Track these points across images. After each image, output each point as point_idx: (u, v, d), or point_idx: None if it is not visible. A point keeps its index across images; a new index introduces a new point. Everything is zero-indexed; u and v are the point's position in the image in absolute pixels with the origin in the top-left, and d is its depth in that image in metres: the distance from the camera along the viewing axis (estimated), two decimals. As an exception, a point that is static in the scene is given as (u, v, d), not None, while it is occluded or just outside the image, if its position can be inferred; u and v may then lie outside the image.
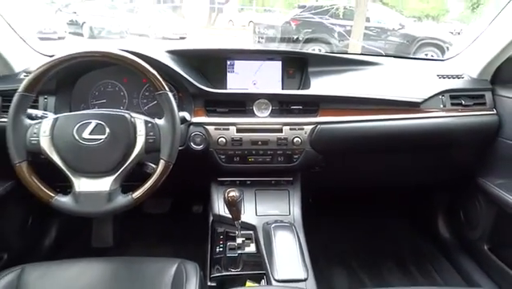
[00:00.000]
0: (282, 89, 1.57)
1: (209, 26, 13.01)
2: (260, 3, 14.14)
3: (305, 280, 1.12)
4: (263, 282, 1.16)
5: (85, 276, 1.11)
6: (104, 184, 1.10)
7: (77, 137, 1.09)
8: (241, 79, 1.58)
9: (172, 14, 11.78)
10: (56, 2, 11.25)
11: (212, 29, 12.77)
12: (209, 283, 1.11)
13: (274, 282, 1.12)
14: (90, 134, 1.10)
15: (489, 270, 1.66)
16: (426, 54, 7.11)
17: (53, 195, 1.11)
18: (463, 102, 1.54)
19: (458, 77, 1.62)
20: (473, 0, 8.62)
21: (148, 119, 1.14)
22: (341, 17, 7.88)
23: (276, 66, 1.59)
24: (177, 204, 2.16)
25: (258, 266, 1.19)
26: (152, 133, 1.13)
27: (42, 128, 1.10)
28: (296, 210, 1.45)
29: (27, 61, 1.53)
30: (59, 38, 7.66)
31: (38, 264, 1.17)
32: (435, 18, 13.15)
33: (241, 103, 1.45)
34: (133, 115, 1.14)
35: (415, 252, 2.00)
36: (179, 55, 1.50)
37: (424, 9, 13.29)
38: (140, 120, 1.13)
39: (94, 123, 1.10)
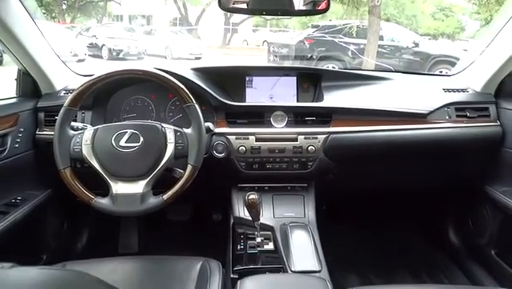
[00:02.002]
0: (297, 102, 1.69)
1: (224, 46, 13.31)
2: (274, 23, 14.42)
3: (319, 271, 1.21)
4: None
5: (120, 272, 1.21)
6: (138, 186, 1.22)
7: (115, 145, 1.22)
8: (259, 93, 1.71)
9: (188, 36, 12.09)
10: (77, 27, 11.75)
11: (227, 49, 13.06)
12: (231, 276, 1.21)
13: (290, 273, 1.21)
14: (126, 142, 1.22)
15: (496, 273, 1.72)
16: (441, 72, 7.13)
17: (93, 197, 1.24)
18: (468, 114, 1.63)
19: (463, 91, 1.72)
20: (488, 18, 8.69)
21: (177, 128, 1.27)
22: (354, 36, 8.00)
23: (291, 81, 1.71)
24: (198, 212, 2.27)
25: (276, 262, 1.29)
26: (180, 141, 1.25)
27: (84, 137, 1.24)
28: (311, 213, 1.55)
29: (66, 80, 1.69)
30: (79, 61, 7.89)
31: (77, 261, 1.29)
32: (450, 36, 13.20)
33: (260, 115, 1.57)
34: (164, 125, 1.27)
35: (426, 258, 2.06)
36: (202, 72, 1.64)
37: (438, 27, 13.39)
38: (169, 130, 1.26)
39: (129, 132, 1.24)
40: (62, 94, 1.63)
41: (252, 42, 14.30)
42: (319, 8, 1.34)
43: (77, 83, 1.47)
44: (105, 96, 1.63)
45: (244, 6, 1.36)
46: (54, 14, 12.35)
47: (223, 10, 1.35)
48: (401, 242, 2.20)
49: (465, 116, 1.63)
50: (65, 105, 1.24)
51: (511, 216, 1.53)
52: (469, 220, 1.91)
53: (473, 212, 1.87)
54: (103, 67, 1.28)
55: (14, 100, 1.58)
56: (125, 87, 1.66)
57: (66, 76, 1.71)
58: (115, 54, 9.59)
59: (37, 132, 1.57)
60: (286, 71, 1.73)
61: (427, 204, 2.23)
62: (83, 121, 1.55)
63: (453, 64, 7.14)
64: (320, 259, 1.27)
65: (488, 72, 1.67)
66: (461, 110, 1.64)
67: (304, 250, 1.30)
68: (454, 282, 1.88)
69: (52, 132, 1.26)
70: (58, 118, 1.24)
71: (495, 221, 1.70)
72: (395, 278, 1.92)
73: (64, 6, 13.24)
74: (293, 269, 1.23)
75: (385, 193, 2.03)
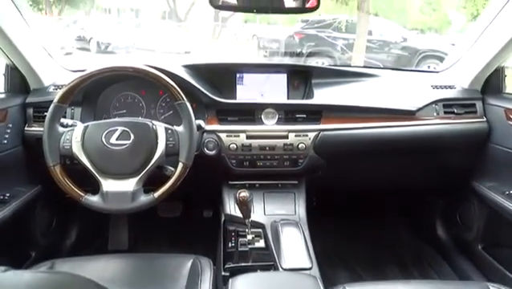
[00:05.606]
0: (288, 99, 1.70)
1: (213, 40, 13.20)
2: (263, 17, 14.30)
3: (310, 269, 1.23)
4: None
5: (110, 270, 1.21)
6: (129, 184, 1.22)
7: (105, 142, 1.22)
8: (250, 90, 1.70)
9: (177, 29, 11.98)
10: (64, 19, 11.54)
11: (216, 43, 12.95)
12: (223, 273, 1.21)
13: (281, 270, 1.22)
14: (116, 140, 1.22)
15: (482, 267, 1.75)
16: (428, 67, 7.16)
17: (83, 194, 1.23)
18: (455, 110, 1.65)
19: (451, 87, 1.74)
20: (474, 13, 8.75)
21: (168, 126, 1.27)
22: (343, 30, 7.99)
23: (282, 78, 1.72)
24: (188, 209, 2.27)
25: (267, 259, 1.29)
26: (171, 139, 1.25)
27: (75, 134, 1.23)
28: (301, 211, 1.56)
29: (54, 75, 1.67)
30: (67, 54, 7.73)
31: (66, 259, 1.29)
32: (438, 31, 13.28)
33: (251, 112, 1.58)
34: (155, 122, 1.27)
35: (414, 253, 2.09)
36: (193, 69, 1.63)
37: (426, 21, 13.44)
38: (160, 127, 1.26)
39: (120, 129, 1.23)
40: (51, 90, 1.61)
41: (242, 36, 14.21)
42: (309, 6, 1.34)
43: (66, 78, 1.46)
44: (95, 92, 1.62)
45: (234, 2, 1.36)
46: (41, 6, 12.11)
47: (213, 7, 1.35)
48: (390, 237, 2.23)
49: (453, 113, 1.65)
50: (55, 101, 1.23)
51: (498, 211, 1.56)
52: (457, 215, 1.94)
53: (461, 207, 1.90)
54: (91, 61, 1.27)
55: (2, 96, 1.56)
56: (115, 83, 1.65)
57: (54, 71, 1.69)
58: (103, 47, 9.44)
59: (25, 128, 1.56)
60: (277, 68, 1.73)
61: (415, 200, 2.26)
62: (72, 117, 1.54)
63: (440, 59, 7.14)
64: (311, 256, 1.28)
65: (475, 69, 1.69)
66: (448, 106, 1.66)
67: (295, 248, 1.31)
68: (443, 277, 1.91)
69: (41, 128, 1.25)
70: (47, 114, 1.23)
71: (482, 217, 1.73)
72: (384, 273, 1.95)
73: (51, -2, 12.99)
74: (284, 266, 1.24)
75: (374, 189, 2.05)
